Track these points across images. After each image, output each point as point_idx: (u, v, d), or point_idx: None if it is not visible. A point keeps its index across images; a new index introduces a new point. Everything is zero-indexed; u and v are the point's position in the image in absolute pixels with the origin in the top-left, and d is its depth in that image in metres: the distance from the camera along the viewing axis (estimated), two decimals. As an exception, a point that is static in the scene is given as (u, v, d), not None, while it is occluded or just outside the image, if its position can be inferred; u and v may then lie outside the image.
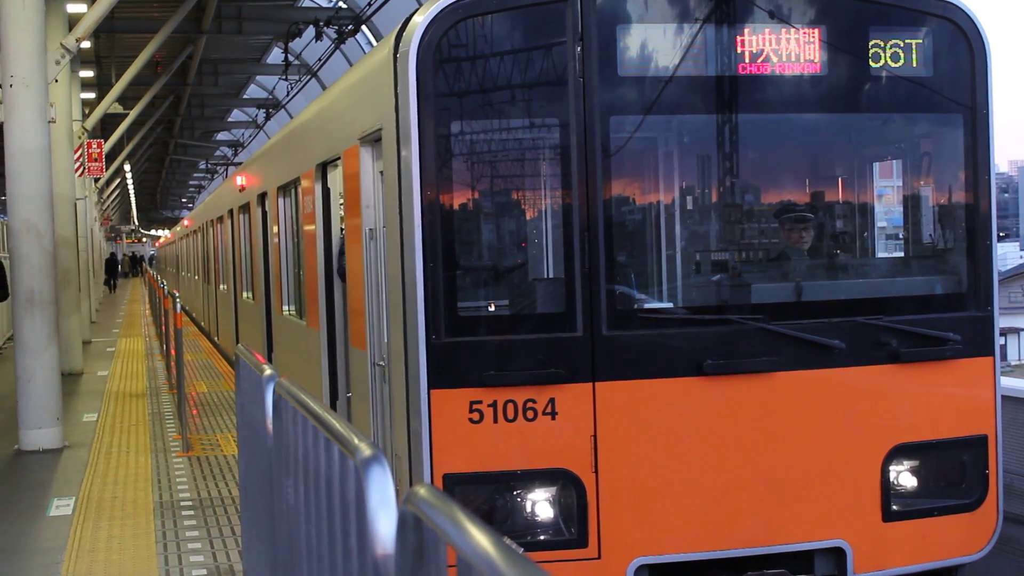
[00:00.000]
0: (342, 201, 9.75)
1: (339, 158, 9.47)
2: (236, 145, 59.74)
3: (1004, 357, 57.70)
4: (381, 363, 8.28)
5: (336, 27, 25.54)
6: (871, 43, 7.40)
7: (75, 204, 23.90)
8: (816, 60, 7.32)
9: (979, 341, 7.55)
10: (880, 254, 8.17)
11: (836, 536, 7.23)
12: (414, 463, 6.99)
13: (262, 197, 15.89)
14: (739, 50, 7.21)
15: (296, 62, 35.51)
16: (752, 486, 7.11)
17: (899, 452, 7.36)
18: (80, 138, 27.08)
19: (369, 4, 23.38)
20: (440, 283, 6.87)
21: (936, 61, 7.52)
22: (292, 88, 36.11)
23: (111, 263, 71.47)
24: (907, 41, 7.43)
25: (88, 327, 29.02)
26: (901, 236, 8.13)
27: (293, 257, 13.29)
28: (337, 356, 10.35)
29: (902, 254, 8.21)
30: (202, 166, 71.51)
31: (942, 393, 7.49)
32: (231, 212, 21.16)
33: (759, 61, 7.24)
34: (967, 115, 7.57)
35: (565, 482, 6.93)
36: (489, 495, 6.93)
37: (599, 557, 6.96)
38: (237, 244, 20.25)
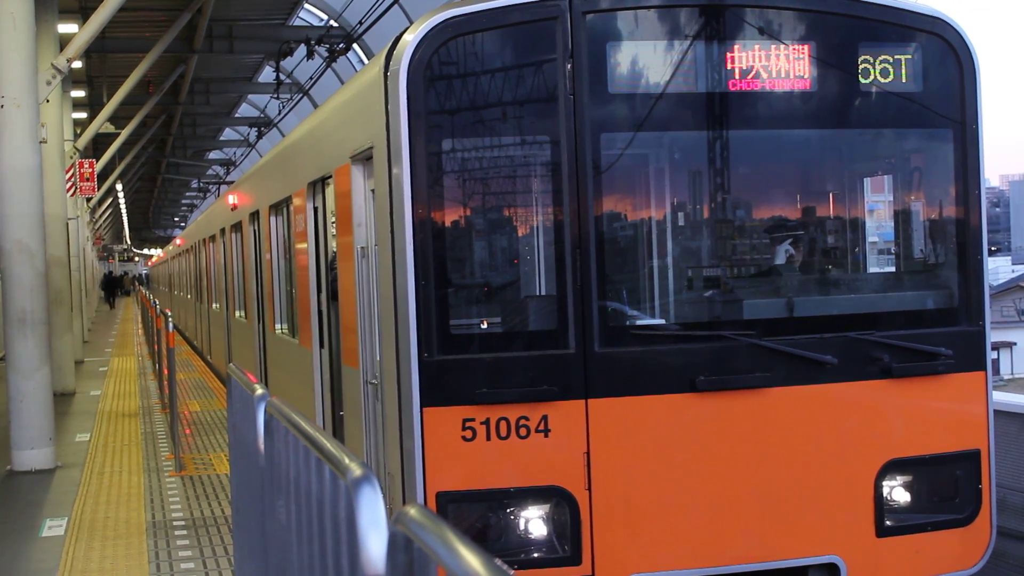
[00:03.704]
0: (334, 219, 9.75)
1: (330, 176, 9.47)
2: (228, 164, 59.75)
3: (996, 371, 57.76)
4: (373, 381, 8.28)
5: (327, 45, 25.55)
6: (860, 59, 7.42)
7: (67, 224, 23.89)
8: (806, 76, 7.34)
9: (971, 355, 7.56)
10: (871, 269, 8.19)
11: (830, 552, 7.23)
12: (407, 481, 6.98)
13: (254, 216, 15.89)
14: (729, 67, 7.23)
15: (288, 81, 35.53)
16: (746, 502, 7.11)
17: (892, 467, 7.36)
18: (72, 158, 27.09)
19: (360, 23, 23.38)
20: (432, 301, 6.87)
21: (925, 76, 7.54)
22: (284, 107, 36.13)
23: (109, 281, 73.28)
24: (896, 57, 7.46)
25: (80, 347, 28.98)
26: (892, 251, 8.14)
27: (285, 276, 13.28)
28: (327, 375, 10.33)
29: (893, 269, 8.23)
30: (194, 185, 71.55)
31: (935, 408, 7.49)
32: (223, 231, 21.16)
33: (749, 77, 7.26)
34: (957, 130, 7.59)
35: (558, 499, 6.91)
36: (482, 513, 6.92)
37: (593, 574, 6.94)
38: (229, 263, 20.25)
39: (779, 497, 7.15)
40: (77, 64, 22.26)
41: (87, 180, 28.15)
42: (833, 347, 7.24)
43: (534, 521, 6.92)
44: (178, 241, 46.54)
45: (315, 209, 10.60)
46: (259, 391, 4.69)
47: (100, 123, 29.22)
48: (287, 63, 31.42)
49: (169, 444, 14.51)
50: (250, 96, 46.54)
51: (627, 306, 7.43)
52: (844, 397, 7.27)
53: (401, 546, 2.43)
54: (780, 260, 7.84)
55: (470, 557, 2.07)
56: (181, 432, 14.99)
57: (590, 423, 6.93)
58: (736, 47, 7.24)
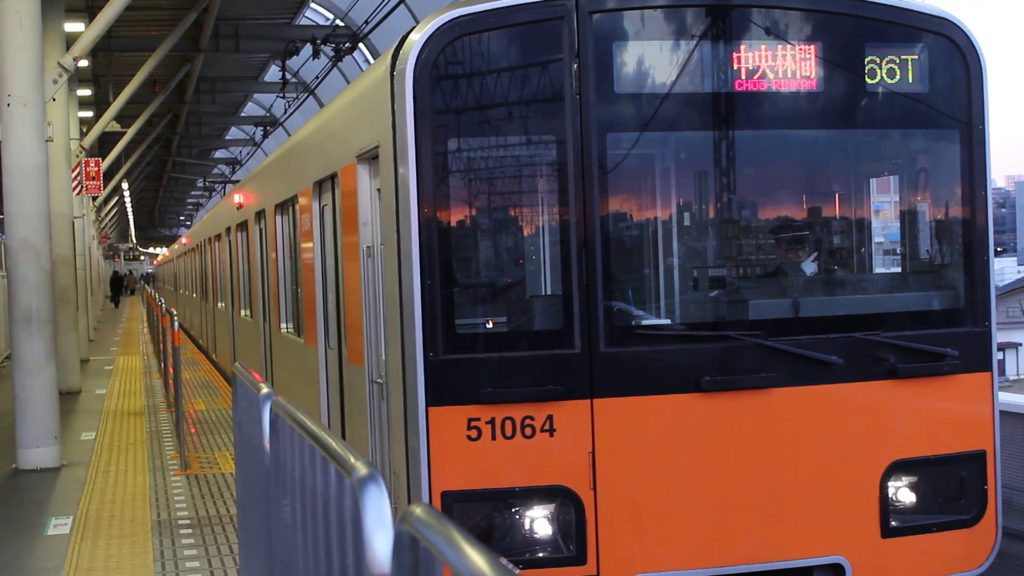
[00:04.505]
0: (340, 219, 9.75)
1: (336, 176, 9.47)
2: (234, 163, 59.75)
3: (1002, 372, 57.68)
4: (379, 380, 8.28)
5: (333, 45, 25.56)
6: (867, 59, 7.41)
7: (73, 222, 23.90)
8: (812, 76, 7.34)
9: (977, 356, 7.55)
10: (877, 270, 8.18)
11: (835, 552, 7.22)
12: (412, 481, 6.98)
13: (260, 215, 15.90)
14: (735, 67, 7.23)
15: (293, 80, 35.54)
16: (751, 502, 7.10)
17: (898, 468, 7.35)
18: (78, 156, 27.09)
19: (366, 22, 23.41)
20: (438, 300, 6.87)
21: (932, 77, 7.53)
22: (289, 106, 36.13)
23: (115, 280, 75.00)
24: (903, 57, 7.45)
25: (86, 345, 29.00)
26: (898, 252, 8.14)
27: (291, 275, 13.28)
28: (334, 374, 10.33)
29: (899, 270, 8.22)
30: (200, 184, 71.55)
31: (940, 408, 7.49)
32: (228, 230, 21.17)
33: (755, 78, 7.25)
34: (963, 130, 7.58)
35: (563, 499, 6.92)
36: (488, 512, 6.92)
37: (598, 574, 6.94)
38: (235, 262, 20.26)
39: (784, 497, 7.14)
40: (83, 63, 22.28)
41: (93, 179, 28.13)
42: (839, 347, 7.24)
43: (539, 521, 6.92)
44: (183, 240, 46.57)
45: (321, 208, 10.60)
46: (265, 390, 4.70)
47: (106, 122, 29.20)
48: (293, 62, 31.44)
49: (174, 443, 14.52)
50: (256, 95, 46.52)
51: (632, 306, 7.43)
52: (850, 397, 7.26)
53: (407, 545, 2.43)
54: (810, 270, 7.84)
55: (476, 556, 2.07)
56: (186, 431, 15.01)
57: (595, 423, 6.93)
58: (742, 47, 7.24)
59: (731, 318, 7.38)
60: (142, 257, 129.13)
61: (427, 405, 6.84)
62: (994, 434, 7.59)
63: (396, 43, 7.19)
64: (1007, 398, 10.72)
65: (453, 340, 6.92)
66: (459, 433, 6.82)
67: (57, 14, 21.36)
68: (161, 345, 21.91)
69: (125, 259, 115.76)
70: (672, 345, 7.20)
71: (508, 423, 6.83)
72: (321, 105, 34.36)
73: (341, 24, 31.10)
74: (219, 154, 64.32)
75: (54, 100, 15.13)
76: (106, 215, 66.36)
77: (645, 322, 7.41)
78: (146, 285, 72.26)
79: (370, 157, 8.10)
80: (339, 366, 10.04)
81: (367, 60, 34.28)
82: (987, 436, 7.57)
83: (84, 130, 31.55)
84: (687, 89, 7.23)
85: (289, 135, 29.68)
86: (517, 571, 1.98)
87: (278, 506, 4.30)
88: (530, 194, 7.53)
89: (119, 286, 77.73)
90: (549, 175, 7.25)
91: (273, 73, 37.33)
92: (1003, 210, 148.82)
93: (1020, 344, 65.35)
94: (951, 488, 7.56)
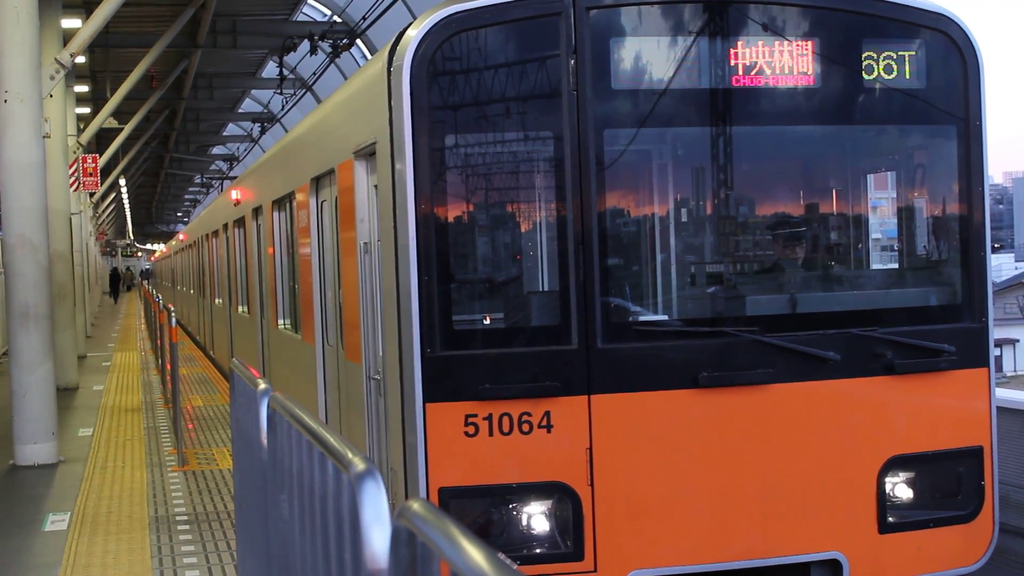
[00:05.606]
0: (337, 215, 9.74)
1: (334, 172, 9.47)
2: (231, 159, 59.70)
3: (999, 368, 57.67)
4: (376, 377, 8.28)
5: (331, 41, 25.53)
6: (864, 55, 7.41)
7: (70, 219, 23.89)
8: (809, 72, 7.34)
9: (974, 352, 7.55)
10: (875, 266, 8.18)
11: (832, 548, 7.23)
12: (409, 477, 6.98)
13: (257, 211, 15.89)
14: (733, 63, 7.22)
15: (291, 76, 35.50)
16: (748, 498, 7.10)
17: (895, 464, 7.36)
18: (75, 153, 27.09)
19: (364, 18, 23.37)
20: (435, 296, 6.87)
21: (929, 73, 7.54)
22: (287, 102, 36.09)
23: (114, 276, 76.52)
24: (900, 53, 7.45)
25: (83, 341, 28.99)
26: (895, 248, 8.14)
27: (288, 271, 13.28)
28: (332, 370, 10.33)
29: (896, 266, 8.22)
30: (197, 180, 71.53)
31: (937, 405, 7.49)
32: (226, 226, 21.16)
33: (753, 74, 7.25)
34: (960, 127, 7.58)
35: (561, 495, 6.91)
36: (485, 509, 6.92)
37: (595, 570, 6.95)
38: (232, 258, 20.25)
39: (781, 493, 7.15)
40: (80, 59, 22.25)
41: (90, 175, 28.13)
42: (836, 343, 7.24)
43: (536, 517, 6.92)
44: (181, 236, 46.54)
45: (318, 204, 10.60)
46: (262, 386, 4.70)
47: (103, 118, 29.22)
48: (290, 58, 31.39)
49: (172, 439, 14.52)
50: (253, 91, 46.49)
51: (630, 302, 7.43)
52: (847, 393, 7.27)
53: (404, 540, 2.43)
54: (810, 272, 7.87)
55: (473, 552, 2.07)
56: (184, 427, 15.00)
57: (592, 419, 6.92)
58: (740, 43, 7.23)
59: (728, 314, 7.38)
60: (139, 253, 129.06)
61: (424, 401, 6.84)
62: (991, 430, 7.59)
63: (393, 39, 7.19)
64: (1004, 394, 10.73)
65: (450, 336, 6.92)
66: (456, 429, 6.82)
67: (54, 10, 21.34)
68: (158, 341, 21.91)
69: (123, 255, 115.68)
70: (669, 341, 7.20)
71: (505, 419, 6.83)
72: (318, 101, 34.35)
73: (338, 20, 31.09)
74: (216, 150, 64.30)
75: (51, 96, 15.13)
76: (103, 211, 66.32)
77: (642, 318, 7.41)
78: (144, 281, 72.36)
79: (367, 153, 8.10)
80: (336, 362, 10.03)
81: (364, 56, 34.27)
82: (984, 432, 7.58)
83: (81, 126, 31.53)
84: (684, 85, 7.23)
85: (287, 131, 29.67)
86: (515, 566, 1.98)
87: (276, 502, 4.30)
88: (527, 190, 7.52)
89: (117, 282, 78.78)
90: (546, 171, 7.25)
91: (271, 69, 37.34)
92: (1000, 206, 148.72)
93: (1017, 340, 65.35)
94: (948, 484, 7.57)
